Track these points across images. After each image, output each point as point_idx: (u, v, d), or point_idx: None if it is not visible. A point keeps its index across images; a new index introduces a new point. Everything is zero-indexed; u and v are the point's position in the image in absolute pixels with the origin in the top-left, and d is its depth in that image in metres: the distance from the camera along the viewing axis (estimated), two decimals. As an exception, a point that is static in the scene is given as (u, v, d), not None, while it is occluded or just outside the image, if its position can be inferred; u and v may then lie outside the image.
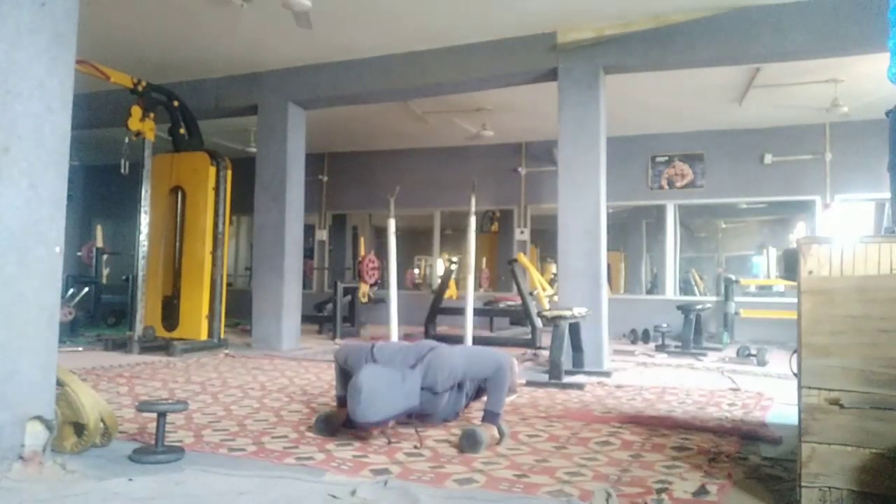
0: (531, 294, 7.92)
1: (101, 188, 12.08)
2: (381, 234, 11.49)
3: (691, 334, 6.99)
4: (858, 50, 5.26)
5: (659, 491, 2.22)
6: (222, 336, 6.63)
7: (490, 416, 2.92)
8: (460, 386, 3.15)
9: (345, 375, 3.19)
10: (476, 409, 3.14)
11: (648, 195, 9.52)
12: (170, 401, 2.98)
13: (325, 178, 11.48)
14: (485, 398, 3.12)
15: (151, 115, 6.50)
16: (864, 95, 7.24)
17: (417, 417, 3.05)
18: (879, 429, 1.89)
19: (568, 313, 4.92)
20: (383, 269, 8.64)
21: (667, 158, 9.39)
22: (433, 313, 7.93)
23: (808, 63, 6.13)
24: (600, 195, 5.71)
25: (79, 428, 2.54)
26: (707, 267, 11.60)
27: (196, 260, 6.57)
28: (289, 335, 6.98)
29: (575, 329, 5.25)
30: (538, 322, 6.88)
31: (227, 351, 6.40)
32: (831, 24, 5.15)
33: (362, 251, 9.72)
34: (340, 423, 3.05)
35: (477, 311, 7.06)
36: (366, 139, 10.40)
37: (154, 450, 2.53)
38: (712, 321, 8.76)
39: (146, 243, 6.55)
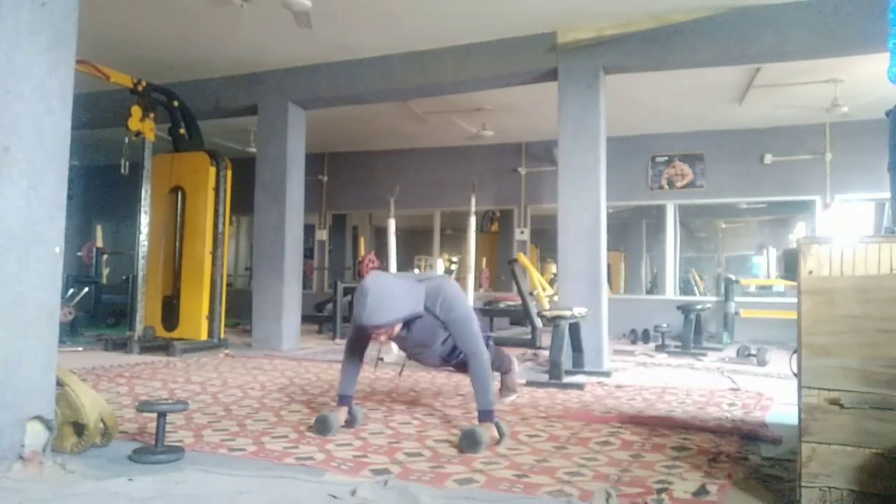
0: (531, 294, 7.91)
1: (101, 188, 12.07)
2: (381, 234, 11.51)
3: (691, 334, 6.99)
4: (858, 50, 5.26)
5: (659, 491, 2.22)
6: (222, 336, 6.63)
7: (485, 416, 2.90)
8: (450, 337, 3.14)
9: (354, 345, 3.19)
10: (476, 410, 3.13)
11: (648, 195, 9.52)
12: (170, 401, 2.98)
13: (325, 178, 11.48)
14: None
15: (151, 115, 6.50)
16: (864, 95, 7.24)
17: (415, 346, 3.06)
18: (879, 429, 1.89)
19: (568, 313, 4.92)
20: (383, 269, 8.64)
21: (667, 158, 9.40)
22: (433, 313, 7.92)
23: (808, 63, 6.13)
24: (600, 195, 5.71)
25: (79, 428, 2.54)
26: (707, 267, 11.61)
27: (196, 260, 6.57)
28: (289, 335, 6.98)
29: (575, 329, 5.25)
30: (538, 322, 6.88)
31: (227, 351, 6.40)
32: (831, 24, 5.15)
33: (362, 251, 9.73)
34: (340, 423, 3.05)
35: (477, 311, 7.04)
36: (366, 139, 10.40)
37: (154, 450, 2.53)
38: (712, 321, 8.76)
39: (146, 243, 6.55)
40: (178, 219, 6.78)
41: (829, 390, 1.95)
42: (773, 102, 7.79)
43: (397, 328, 2.91)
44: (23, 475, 2.21)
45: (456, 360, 3.33)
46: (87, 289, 9.30)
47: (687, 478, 2.38)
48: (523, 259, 8.66)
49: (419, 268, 14.80)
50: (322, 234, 11.57)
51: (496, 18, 5.68)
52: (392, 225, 5.91)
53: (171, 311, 6.68)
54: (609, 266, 6.65)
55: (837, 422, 1.94)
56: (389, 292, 2.79)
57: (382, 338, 2.95)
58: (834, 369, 1.95)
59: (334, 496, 2.10)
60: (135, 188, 6.59)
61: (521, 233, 10.20)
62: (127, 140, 6.44)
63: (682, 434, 3.11)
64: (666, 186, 9.39)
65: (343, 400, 3.15)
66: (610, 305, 5.95)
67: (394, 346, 4.26)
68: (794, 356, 2.40)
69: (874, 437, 1.90)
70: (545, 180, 9.69)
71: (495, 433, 2.86)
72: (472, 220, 5.69)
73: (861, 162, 8.28)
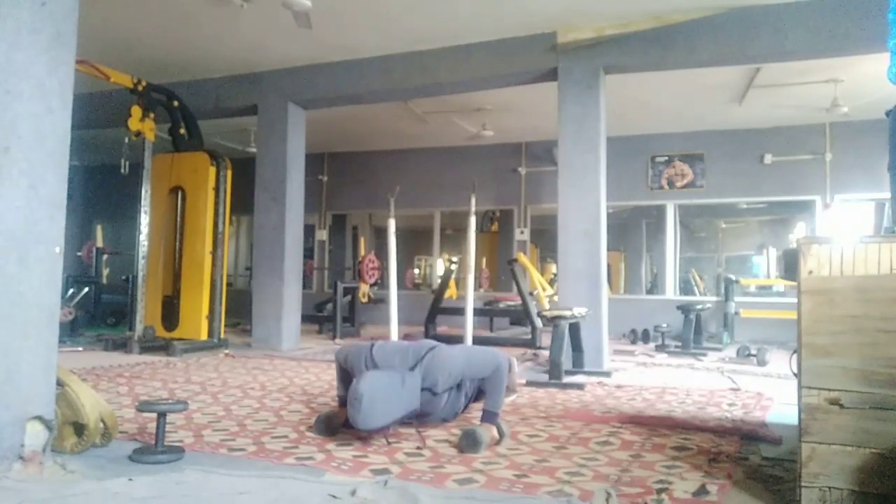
0: (531, 294, 7.92)
1: (101, 188, 12.08)
2: (381, 234, 11.51)
3: (691, 334, 6.99)
4: (858, 50, 5.26)
5: (659, 491, 2.22)
6: (222, 336, 6.63)
7: (489, 416, 2.92)
8: (459, 386, 3.16)
9: (345, 375, 3.19)
10: (476, 410, 3.14)
11: (648, 195, 9.52)
12: (170, 401, 2.98)
13: (325, 178, 11.48)
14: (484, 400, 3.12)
15: (151, 115, 6.49)
16: (864, 95, 7.24)
17: (417, 418, 3.05)
18: (879, 429, 1.89)
19: (568, 313, 4.92)
20: (383, 269, 8.64)
21: (667, 158, 9.40)
22: (433, 313, 7.94)
23: (808, 63, 6.13)
24: (600, 195, 5.71)
25: (79, 428, 2.54)
26: (707, 267, 11.61)
27: (196, 260, 6.57)
28: (289, 335, 6.98)
29: (575, 329, 5.25)
30: (538, 322, 6.88)
31: (227, 351, 6.40)
32: (831, 24, 5.15)
33: (362, 251, 9.72)
34: (340, 423, 3.05)
35: (477, 311, 7.06)
36: (366, 139, 10.40)
37: (154, 450, 2.53)
38: (712, 321, 8.76)
39: (146, 243, 6.55)
40: (178, 219, 6.77)
41: (829, 390, 1.95)
42: (773, 102, 7.79)
43: (393, 427, 2.91)
44: (23, 475, 2.20)
45: (467, 406, 3.34)
46: (87, 289, 9.30)
47: (687, 478, 2.38)
48: (523, 259, 8.66)
49: (419, 268, 14.81)
50: (322, 234, 11.57)
51: (496, 18, 5.68)
52: (392, 225, 5.89)
53: (171, 311, 6.68)
54: (609, 266, 6.65)
55: (837, 422, 1.94)
56: (382, 396, 2.76)
57: (378, 435, 2.94)
58: (834, 369, 1.95)
59: (334, 496, 2.10)
60: (135, 188, 6.59)
61: (521, 233, 10.20)
62: (127, 140, 6.43)
63: (682, 434, 3.10)
64: (666, 186, 9.39)
65: (343, 400, 3.14)
66: (610, 305, 5.95)
67: None
68: (794, 356, 2.40)
69: (874, 437, 1.90)
70: (545, 180, 9.69)
71: (495, 433, 2.87)
72: (472, 220, 5.68)
73: (861, 162, 8.28)
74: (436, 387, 2.98)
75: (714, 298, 8.93)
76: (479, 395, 3.29)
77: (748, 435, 3.06)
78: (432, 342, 3.27)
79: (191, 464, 2.47)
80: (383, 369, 2.95)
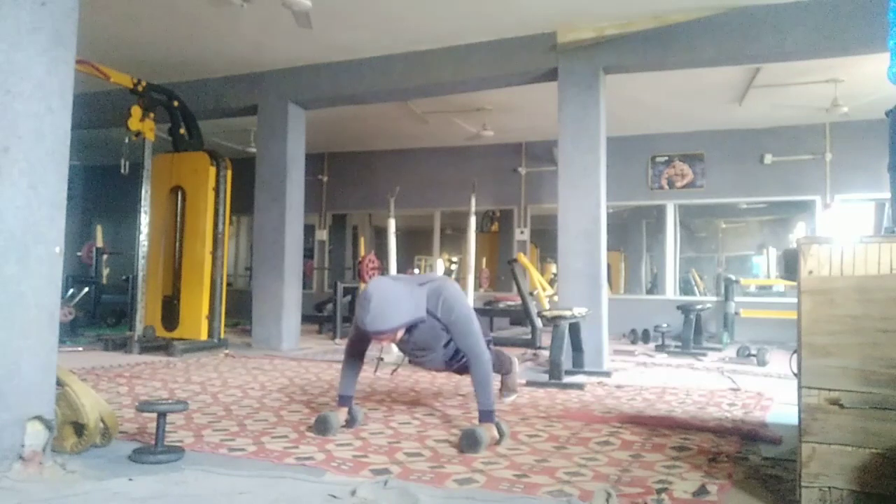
0: (531, 294, 7.91)
1: (101, 188, 12.09)
2: (381, 234, 11.51)
3: (691, 334, 6.99)
4: (858, 50, 5.25)
5: (659, 491, 2.22)
6: (222, 336, 6.63)
7: (485, 416, 2.91)
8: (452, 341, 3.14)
9: (354, 348, 3.20)
10: (476, 410, 3.13)
11: (648, 195, 9.52)
12: (170, 401, 2.98)
13: (325, 178, 11.48)
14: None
15: (151, 115, 6.49)
16: (864, 95, 7.24)
17: (418, 350, 3.07)
18: (879, 429, 1.89)
19: (568, 313, 4.92)
20: (383, 269, 8.64)
21: (667, 158, 9.40)
22: (433, 313, 7.92)
23: (808, 63, 6.13)
24: (600, 195, 5.71)
25: (79, 428, 2.54)
26: (707, 267, 11.60)
27: (196, 260, 6.57)
28: (289, 335, 6.98)
29: (575, 329, 5.25)
30: (538, 322, 6.88)
31: (227, 351, 6.40)
32: (831, 24, 5.15)
33: (362, 251, 9.72)
34: (340, 423, 3.05)
35: (477, 311, 7.03)
36: (366, 139, 10.40)
37: (154, 450, 2.53)
38: (712, 321, 8.76)
39: (146, 243, 6.55)
40: (178, 219, 6.78)
41: (829, 390, 1.95)
42: (773, 102, 7.79)
43: (400, 333, 2.91)
44: (23, 475, 2.21)
45: (458, 364, 3.32)
46: (87, 289, 9.30)
47: (687, 478, 2.38)
48: (523, 259, 8.66)
49: (419, 268, 14.81)
50: (322, 234, 11.57)
51: (496, 18, 5.68)
52: (392, 225, 5.90)
53: (171, 311, 6.68)
54: (609, 266, 6.65)
55: (837, 422, 1.94)
56: (392, 298, 2.79)
57: (385, 342, 2.95)
58: (834, 369, 1.95)
59: (334, 496, 2.10)
60: (135, 188, 6.59)
61: (521, 233, 10.20)
62: (127, 140, 6.44)
63: (682, 434, 3.10)
64: (666, 186, 9.39)
65: (343, 400, 3.15)
66: (610, 305, 5.95)
67: (394, 347, 4.26)
68: (794, 356, 2.40)
69: (874, 437, 1.90)
70: (545, 180, 9.69)
71: (495, 433, 2.86)
72: (472, 220, 5.69)
73: (861, 162, 8.28)
74: (437, 311, 2.96)
75: (714, 298, 8.93)
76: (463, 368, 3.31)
77: (748, 435, 3.06)
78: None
79: (191, 464, 2.47)
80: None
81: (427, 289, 2.99)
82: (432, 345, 3.11)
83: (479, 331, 3.07)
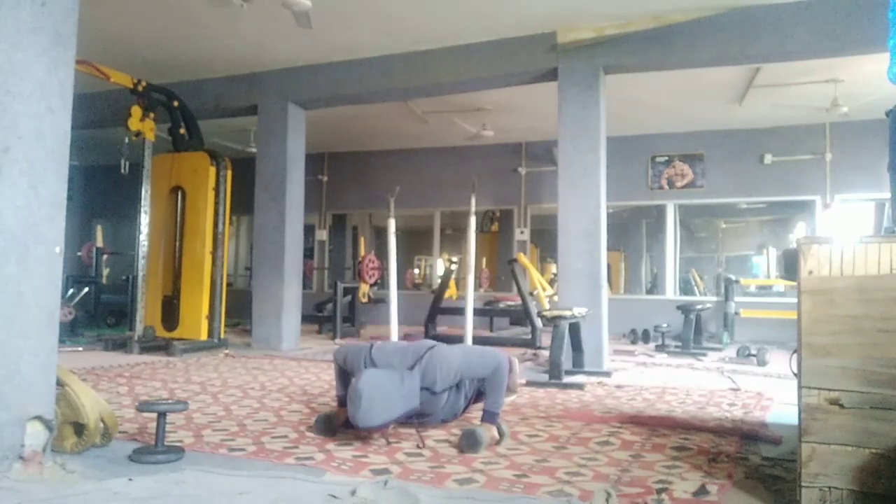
0: (531, 294, 7.92)
1: (101, 188, 12.09)
2: (381, 234, 11.51)
3: (691, 334, 6.99)
4: (858, 50, 5.26)
5: (659, 491, 2.22)
6: (222, 336, 6.63)
7: (489, 416, 2.92)
8: (458, 386, 3.15)
9: (344, 375, 3.19)
10: (476, 410, 3.14)
11: (648, 195, 9.52)
12: (170, 401, 2.98)
13: (325, 178, 11.48)
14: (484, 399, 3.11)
15: (151, 115, 6.50)
16: (864, 95, 7.24)
17: (416, 417, 3.05)
18: (879, 429, 1.89)
19: (568, 313, 4.92)
20: (383, 269, 8.64)
21: (667, 158, 9.40)
22: (433, 313, 7.93)
23: (808, 63, 6.13)
24: (600, 195, 5.71)
25: (79, 428, 2.54)
26: (707, 267, 11.60)
27: (196, 260, 6.57)
28: (289, 335, 6.98)
29: (575, 329, 5.25)
30: (538, 322, 6.88)
31: (227, 351, 6.40)
32: (831, 24, 5.15)
33: (362, 251, 9.73)
34: (340, 423, 3.05)
35: (477, 311, 7.05)
36: (366, 139, 10.40)
37: (154, 450, 2.53)
38: (712, 321, 8.76)
39: (146, 243, 6.55)
40: (178, 219, 6.78)
41: (829, 390, 1.95)
42: (773, 102, 7.79)
43: (391, 425, 2.91)
44: (23, 475, 2.21)
45: (466, 407, 3.32)
46: (87, 289, 9.29)
47: (687, 478, 2.38)
48: (523, 259, 8.66)
49: (419, 268, 14.81)
50: (322, 234, 11.57)
51: (496, 18, 5.68)
52: (392, 225, 5.89)
53: (171, 311, 6.68)
54: (609, 266, 6.65)
55: (837, 422, 1.94)
56: (382, 394, 2.76)
57: (377, 434, 2.94)
58: (834, 369, 1.95)
59: (334, 496, 2.10)
60: (135, 188, 6.59)
61: (521, 233, 10.20)
62: (127, 140, 6.44)
63: (682, 434, 3.10)
64: (666, 186, 9.39)
65: (343, 400, 3.15)
66: (610, 305, 5.95)
67: None
68: (794, 356, 2.40)
69: (874, 437, 1.90)
70: (545, 180, 9.69)
71: (495, 433, 2.87)
72: (472, 220, 5.68)
73: (861, 162, 8.28)
74: (434, 386, 2.97)
75: (714, 298, 8.93)
76: (478, 396, 3.28)
77: (748, 435, 3.06)
78: (431, 342, 3.27)
79: (191, 464, 2.47)
80: (382, 369, 2.94)
81: (419, 370, 2.97)
82: (431, 411, 3.10)
83: (482, 352, 3.13)
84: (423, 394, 2.96)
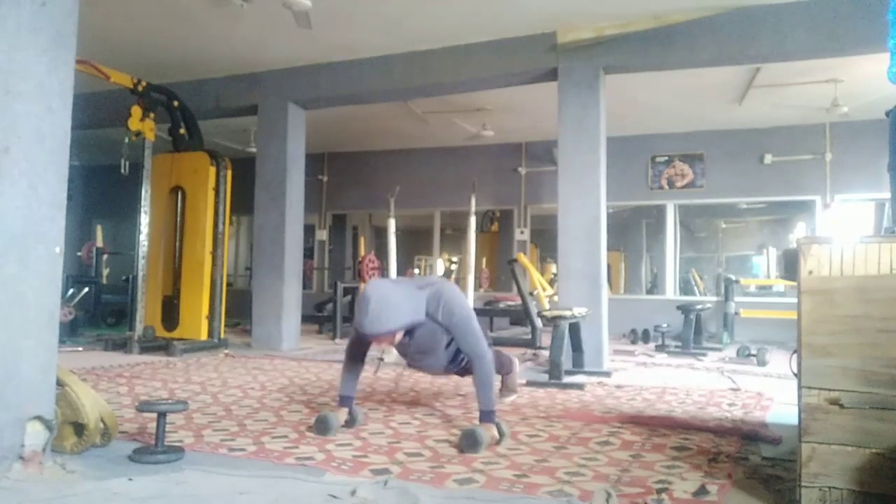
0: (531, 294, 7.91)
1: (101, 188, 12.08)
2: (381, 234, 11.50)
3: (691, 334, 6.99)
4: (858, 50, 5.26)
5: (659, 491, 2.22)
6: (222, 336, 6.63)
7: (486, 416, 2.91)
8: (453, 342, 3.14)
9: (355, 350, 3.19)
10: (476, 410, 3.13)
11: (648, 195, 9.52)
12: (170, 401, 2.98)
13: (325, 178, 11.48)
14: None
15: (151, 115, 6.49)
16: (864, 95, 7.24)
17: (416, 354, 3.07)
18: (879, 429, 1.89)
19: (568, 313, 4.92)
20: (383, 268, 8.63)
21: (667, 158, 9.40)
22: (433, 313, 7.91)
23: (808, 63, 6.13)
24: (600, 195, 5.71)
25: (79, 428, 2.54)
26: (707, 267, 11.60)
27: (196, 260, 6.57)
28: (289, 335, 6.98)
29: (575, 329, 5.24)
30: (538, 322, 6.88)
31: (227, 351, 6.40)
32: (831, 24, 5.15)
33: (362, 251, 9.72)
34: (340, 423, 3.05)
35: (477, 311, 7.02)
36: (366, 139, 10.40)
37: (154, 450, 2.53)
38: (712, 321, 8.76)
39: (146, 243, 6.55)
40: (178, 219, 6.78)
41: (829, 390, 1.95)
42: (773, 102, 7.79)
43: (398, 336, 2.91)
44: (23, 475, 2.21)
45: (458, 367, 3.33)
46: (87, 289, 9.29)
47: (687, 478, 2.38)
48: (523, 259, 8.66)
49: (419, 268, 14.81)
50: (322, 234, 11.57)
51: (496, 18, 5.68)
52: (392, 225, 5.90)
53: (171, 311, 6.68)
54: (609, 266, 6.65)
55: (837, 422, 1.94)
56: (390, 300, 2.79)
57: (384, 344, 2.95)
58: (834, 369, 1.95)
59: (334, 496, 2.10)
60: (135, 188, 6.59)
61: (521, 233, 10.20)
62: (127, 140, 6.44)
63: (682, 434, 3.10)
64: (666, 186, 9.39)
65: (343, 400, 3.15)
66: (610, 305, 5.95)
67: (394, 350, 4.26)
68: (794, 356, 2.40)
69: (874, 437, 1.90)
70: (545, 180, 9.69)
71: (495, 433, 2.86)
72: (472, 220, 5.69)
73: (861, 162, 8.28)
74: (437, 313, 2.95)
75: (714, 298, 8.93)
76: (466, 370, 3.30)
77: (748, 435, 3.06)
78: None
79: (191, 464, 2.47)
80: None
81: (427, 292, 2.98)
82: (432, 348, 3.11)
83: (480, 332, 3.08)
84: (426, 322, 2.95)
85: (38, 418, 2.31)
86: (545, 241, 10.87)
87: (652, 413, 3.64)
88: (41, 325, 2.38)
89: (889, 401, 1.89)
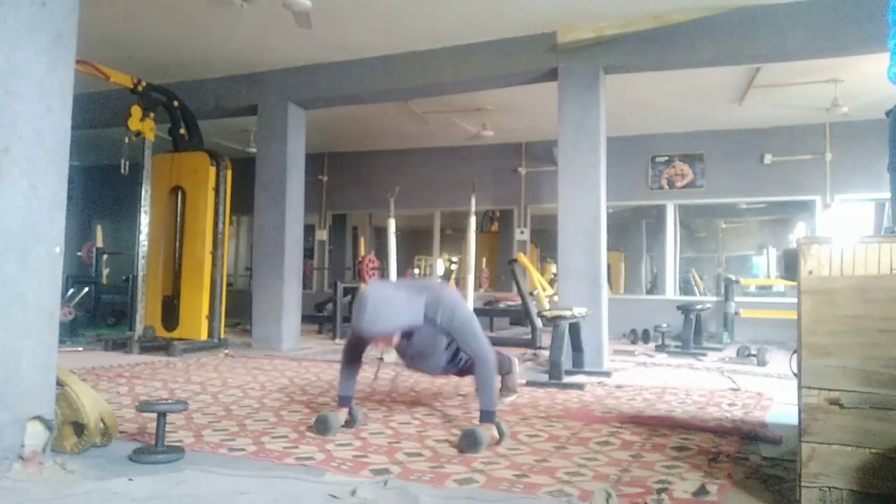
0: (531, 294, 7.91)
1: (101, 188, 12.09)
2: (381, 234, 11.51)
3: (691, 334, 6.99)
4: (858, 50, 5.26)
5: (659, 491, 2.22)
6: (222, 336, 6.63)
7: (486, 416, 2.91)
8: (451, 342, 3.15)
9: (353, 351, 3.20)
10: (476, 410, 3.13)
11: (648, 195, 9.52)
12: (170, 401, 2.98)
13: (325, 178, 11.48)
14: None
15: (151, 115, 6.50)
16: (864, 95, 7.24)
17: (415, 356, 3.07)
18: (879, 429, 1.89)
19: (568, 313, 4.92)
20: (383, 269, 8.63)
21: (667, 158, 9.40)
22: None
23: (808, 63, 6.13)
24: (600, 195, 5.71)
25: (79, 428, 2.54)
26: (707, 267, 11.60)
27: (196, 260, 6.57)
28: (289, 335, 6.98)
29: (575, 329, 5.24)
30: (538, 322, 6.88)
31: (227, 351, 6.40)
32: (831, 24, 5.15)
33: (362, 251, 9.72)
34: (340, 423, 3.05)
35: (477, 311, 7.04)
36: (366, 139, 10.40)
37: (154, 450, 2.53)
38: (712, 321, 8.76)
39: (146, 243, 6.55)
40: (178, 219, 6.77)
41: (829, 390, 1.95)
42: (773, 102, 7.79)
43: (396, 337, 2.92)
44: (23, 475, 2.21)
45: (456, 368, 3.33)
46: (87, 289, 9.29)
47: (687, 478, 2.38)
48: (523, 259, 8.66)
49: (419, 268, 14.80)
50: (322, 234, 11.57)
51: (496, 18, 5.68)
52: (392, 225, 5.90)
53: (171, 311, 6.68)
54: (609, 266, 6.65)
55: (837, 422, 1.94)
56: (389, 302, 2.79)
57: (381, 345, 2.96)
58: (834, 369, 1.95)
59: (334, 496, 2.10)
60: (135, 188, 6.59)
61: (521, 233, 10.20)
62: (127, 140, 6.44)
63: (682, 434, 3.10)
64: (666, 186, 9.39)
65: (343, 400, 3.15)
66: (610, 305, 5.95)
67: (393, 352, 4.27)
68: (794, 356, 2.40)
69: (874, 437, 1.90)
70: (545, 180, 9.69)
71: (495, 433, 2.86)
72: (472, 220, 5.69)
73: (861, 162, 8.28)
74: (436, 317, 2.96)
75: (714, 298, 8.93)
76: (467, 370, 3.31)
77: (748, 435, 3.06)
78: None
79: (191, 464, 2.47)
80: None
81: (426, 297, 2.98)
82: (431, 350, 3.12)
83: (481, 333, 3.09)
84: (425, 325, 2.96)
85: (38, 418, 2.31)
86: (545, 241, 10.87)
87: (652, 413, 3.64)
88: (41, 324, 2.38)
89: (889, 401, 1.89)
